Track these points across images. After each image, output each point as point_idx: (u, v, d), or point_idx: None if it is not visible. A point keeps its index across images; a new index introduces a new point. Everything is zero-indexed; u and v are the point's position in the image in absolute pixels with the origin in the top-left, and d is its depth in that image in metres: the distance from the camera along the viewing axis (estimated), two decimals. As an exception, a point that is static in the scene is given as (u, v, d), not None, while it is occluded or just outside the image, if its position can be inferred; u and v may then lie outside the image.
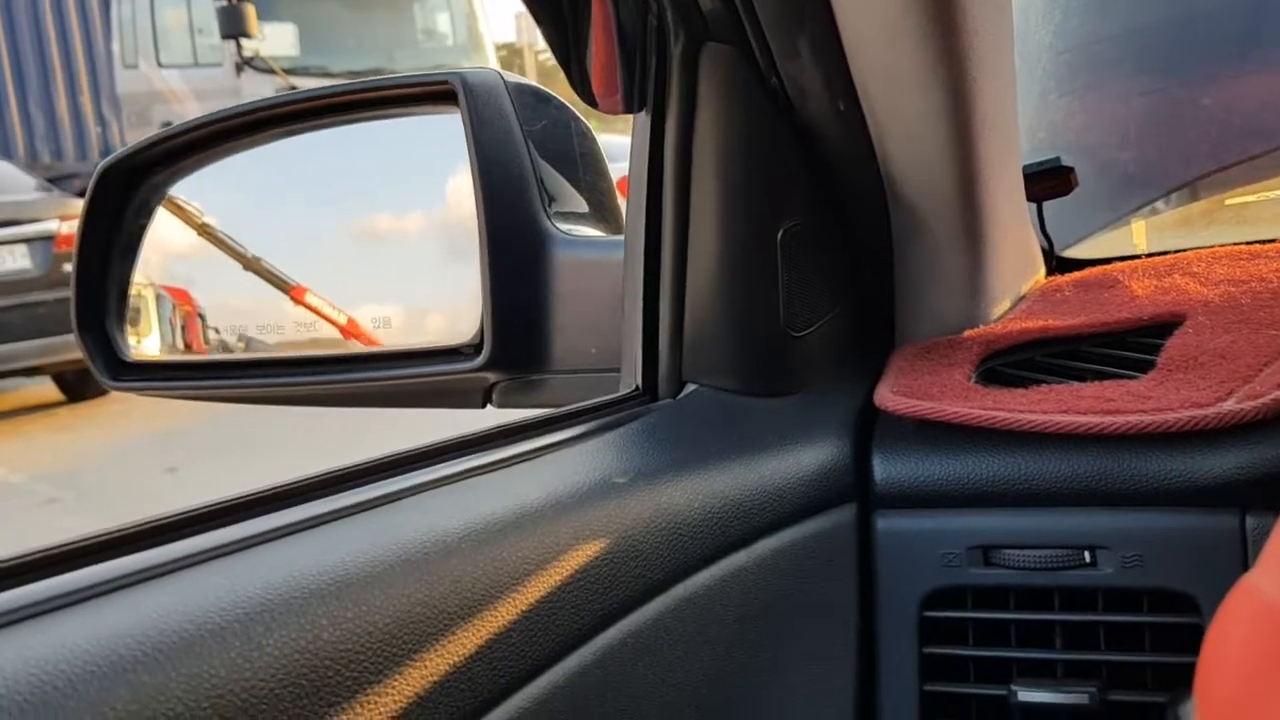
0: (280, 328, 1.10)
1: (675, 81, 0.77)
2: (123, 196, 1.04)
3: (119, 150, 1.04)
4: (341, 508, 0.55)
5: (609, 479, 0.65)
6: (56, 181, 9.35)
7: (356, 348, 1.03)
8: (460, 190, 0.94)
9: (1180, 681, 0.65)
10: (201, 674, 0.42)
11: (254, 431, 5.99)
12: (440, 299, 1.08)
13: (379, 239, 1.09)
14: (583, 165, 1.01)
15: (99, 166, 1.02)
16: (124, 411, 7.16)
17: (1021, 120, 0.91)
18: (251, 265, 1.10)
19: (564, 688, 0.57)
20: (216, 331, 1.14)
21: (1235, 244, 0.98)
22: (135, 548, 0.48)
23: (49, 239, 6.99)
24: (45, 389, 7.74)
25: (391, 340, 1.04)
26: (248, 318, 1.13)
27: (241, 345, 1.13)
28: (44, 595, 0.42)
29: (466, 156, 0.90)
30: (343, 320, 1.06)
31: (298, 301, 1.07)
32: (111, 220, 1.04)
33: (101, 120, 12.82)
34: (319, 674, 0.45)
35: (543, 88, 0.97)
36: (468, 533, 0.55)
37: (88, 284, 1.04)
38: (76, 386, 7.60)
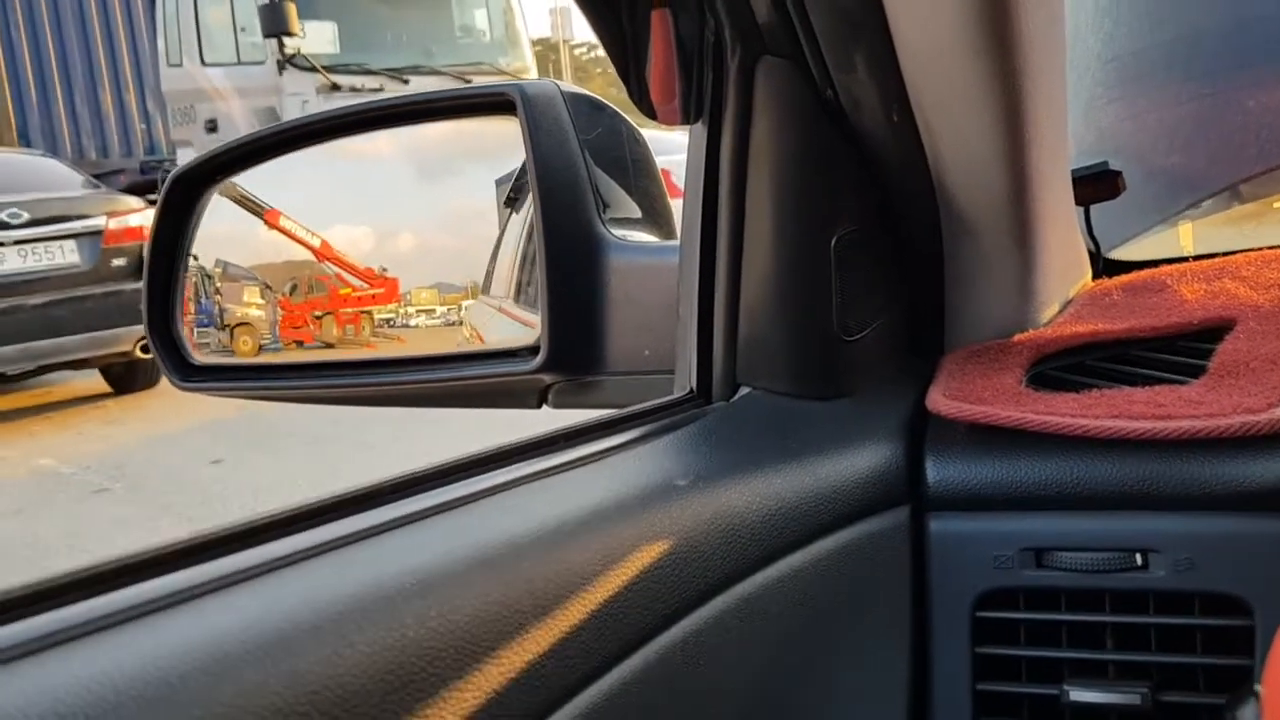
0: (256, 252, 1.12)
1: (732, 93, 0.79)
2: (192, 203, 1.07)
3: (193, 158, 1.07)
4: (420, 510, 0.57)
5: (670, 481, 0.67)
6: (103, 178, 9.51)
7: (416, 350, 1.06)
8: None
9: (1232, 684, 0.67)
10: (299, 671, 0.44)
11: (296, 426, 6.06)
12: (411, 220, 1.09)
13: (348, 157, 1.10)
14: (635, 171, 1.03)
15: (171, 174, 1.06)
16: (169, 405, 7.27)
17: (1070, 125, 0.92)
18: (225, 191, 1.11)
19: (630, 684, 0.59)
20: (195, 258, 1.15)
21: None
22: (231, 549, 0.50)
23: (97, 234, 7.11)
24: (93, 382, 7.88)
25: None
26: (224, 243, 1.14)
27: (219, 270, 1.14)
28: (153, 595, 0.45)
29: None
30: (316, 243, 1.08)
31: (272, 225, 1.09)
32: (181, 226, 1.07)
33: (146, 117, 13.00)
34: (405, 670, 0.48)
35: (597, 96, 0.99)
36: (539, 535, 0.58)
37: (158, 288, 1.07)
38: (123, 379, 7.73)
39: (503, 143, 0.97)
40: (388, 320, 1.06)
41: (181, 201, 1.06)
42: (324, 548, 0.52)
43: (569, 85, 0.96)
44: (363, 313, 1.07)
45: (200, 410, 6.75)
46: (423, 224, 1.10)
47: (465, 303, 1.04)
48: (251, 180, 1.09)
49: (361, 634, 0.47)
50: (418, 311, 1.05)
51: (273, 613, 0.46)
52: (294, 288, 1.12)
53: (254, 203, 1.10)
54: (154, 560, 0.48)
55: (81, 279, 7.00)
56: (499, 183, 1.04)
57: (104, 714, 0.39)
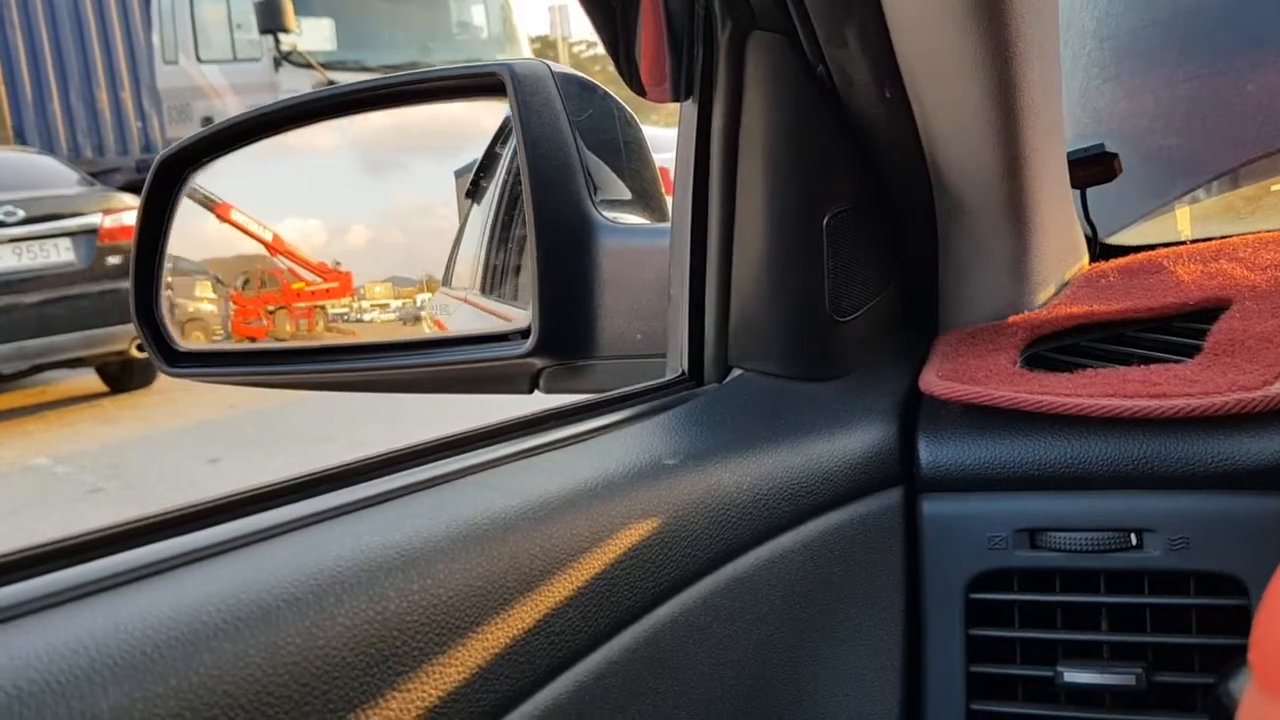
0: (207, 246, 1.10)
1: (722, 70, 0.78)
2: (176, 187, 1.06)
3: (177, 142, 1.06)
4: (404, 485, 0.56)
5: (659, 460, 0.67)
6: (99, 176, 9.48)
7: (405, 335, 1.05)
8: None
9: (1228, 662, 0.66)
10: (279, 642, 0.43)
11: (294, 424, 6.06)
12: (363, 213, 1.08)
13: (297, 150, 1.08)
14: (627, 153, 1.02)
15: (156, 158, 1.04)
16: (165, 403, 7.26)
17: (1066, 107, 0.91)
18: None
19: (618, 663, 0.58)
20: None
21: None
22: (212, 521, 0.50)
23: (92, 233, 7.09)
24: (89, 380, 7.86)
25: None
26: (174, 237, 1.11)
27: (169, 264, 1.12)
28: (130, 565, 0.44)
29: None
30: (268, 237, 1.06)
31: (223, 219, 1.07)
32: (167, 212, 1.06)
33: (142, 115, 12.99)
34: (387, 643, 0.47)
35: (588, 77, 0.98)
36: (524, 511, 0.57)
37: (144, 275, 1.06)
38: (119, 378, 7.71)
39: (456, 135, 0.95)
40: (342, 315, 1.04)
41: (166, 186, 1.05)
42: (305, 521, 0.51)
43: (559, 66, 0.95)
44: (316, 307, 1.05)
45: (197, 409, 6.74)
46: (375, 217, 1.09)
47: (420, 296, 1.02)
48: (201, 173, 1.08)
49: (341, 607, 0.46)
50: (372, 306, 1.04)
51: (252, 585, 0.45)
52: (246, 282, 1.10)
53: (204, 196, 1.08)
54: (133, 531, 0.47)
55: (77, 277, 6.99)
56: (458, 174, 1.03)
57: (75, 682, 0.38)
